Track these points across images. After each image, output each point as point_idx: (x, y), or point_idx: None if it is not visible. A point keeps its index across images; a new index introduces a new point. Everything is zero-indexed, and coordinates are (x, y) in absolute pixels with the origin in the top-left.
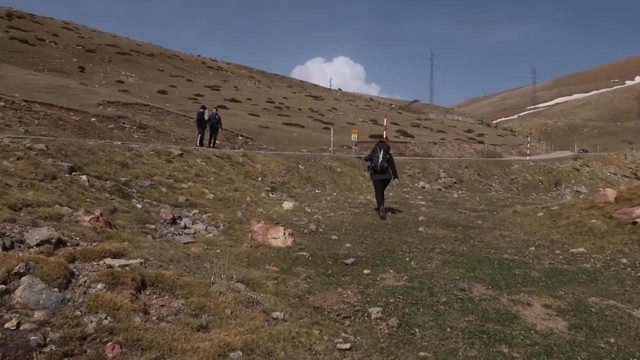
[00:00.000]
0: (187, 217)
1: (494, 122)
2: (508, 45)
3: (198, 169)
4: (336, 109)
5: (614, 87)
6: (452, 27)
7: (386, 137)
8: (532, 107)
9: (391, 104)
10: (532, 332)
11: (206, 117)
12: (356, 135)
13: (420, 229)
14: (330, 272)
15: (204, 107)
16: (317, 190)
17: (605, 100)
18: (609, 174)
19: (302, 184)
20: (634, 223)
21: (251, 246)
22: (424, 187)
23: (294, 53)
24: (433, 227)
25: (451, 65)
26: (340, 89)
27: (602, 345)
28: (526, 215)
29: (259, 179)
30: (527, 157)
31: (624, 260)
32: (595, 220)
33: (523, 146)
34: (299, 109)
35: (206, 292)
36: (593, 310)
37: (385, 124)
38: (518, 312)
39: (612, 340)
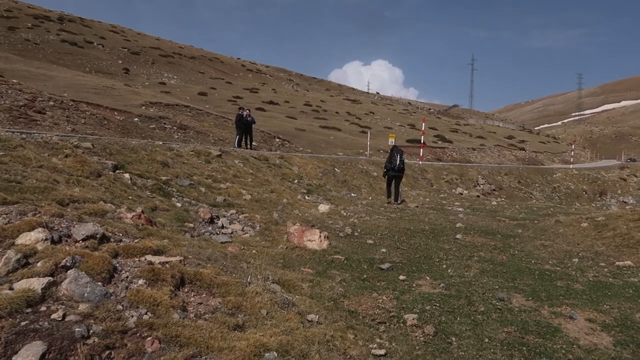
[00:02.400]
0: (224, 216)
1: (536, 128)
2: (552, 50)
3: (236, 170)
4: (373, 113)
5: None
6: (495, 31)
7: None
8: (576, 113)
9: (430, 109)
10: (574, 346)
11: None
12: (393, 140)
13: (458, 235)
14: (365, 276)
15: (242, 109)
16: (352, 194)
17: None
18: None
19: (338, 187)
20: None
21: (287, 248)
22: (462, 194)
23: (333, 56)
24: (471, 235)
25: (492, 71)
26: (378, 93)
27: None
28: (569, 225)
29: (295, 181)
30: (571, 166)
31: None
32: None
33: (566, 154)
34: (336, 112)
35: (243, 292)
36: None
37: (423, 128)
38: (560, 325)
39: None
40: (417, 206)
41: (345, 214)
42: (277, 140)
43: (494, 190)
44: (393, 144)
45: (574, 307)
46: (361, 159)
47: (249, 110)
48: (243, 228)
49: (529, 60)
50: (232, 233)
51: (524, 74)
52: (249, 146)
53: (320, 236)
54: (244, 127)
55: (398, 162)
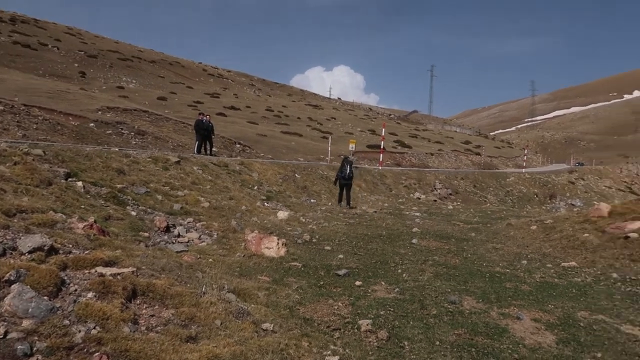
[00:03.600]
0: (181, 225)
1: (491, 134)
2: (508, 57)
3: (195, 177)
4: (335, 118)
5: (612, 101)
6: (454, 38)
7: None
8: (530, 119)
9: (390, 114)
10: (520, 346)
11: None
12: (354, 145)
13: (414, 240)
14: (322, 283)
15: (202, 114)
16: (312, 200)
17: (603, 113)
18: (604, 187)
19: (298, 193)
20: (626, 238)
21: (244, 256)
22: (420, 198)
23: (295, 62)
24: (427, 239)
25: (451, 77)
26: (339, 98)
27: None
28: (520, 228)
29: (255, 187)
30: (523, 170)
31: (615, 275)
32: (588, 235)
33: (520, 158)
34: (298, 118)
35: (197, 303)
36: (581, 324)
37: (383, 134)
38: (507, 326)
39: (599, 355)
40: (375, 211)
41: (304, 220)
42: (238, 146)
43: (450, 194)
44: (354, 149)
45: (521, 308)
46: (322, 164)
47: (209, 116)
48: (200, 236)
49: (486, 67)
50: (188, 242)
51: (482, 80)
52: (209, 152)
53: (278, 243)
54: (204, 132)
55: (348, 171)
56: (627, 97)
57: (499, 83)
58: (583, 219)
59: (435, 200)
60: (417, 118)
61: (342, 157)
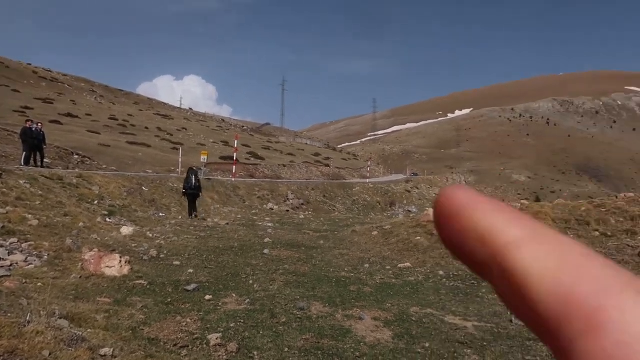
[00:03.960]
0: (2, 247)
1: (339, 146)
2: (353, 76)
3: (20, 192)
4: (186, 129)
5: (439, 119)
6: (305, 54)
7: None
8: (372, 133)
9: (243, 126)
10: (361, 344)
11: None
12: (206, 157)
13: (266, 250)
14: (169, 300)
15: (31, 122)
16: (161, 214)
17: (432, 130)
18: (434, 195)
19: (145, 207)
20: None
21: (81, 277)
22: (273, 209)
23: (142, 69)
24: (278, 249)
25: (303, 91)
26: (191, 109)
27: (419, 350)
28: (363, 234)
29: (96, 202)
30: (367, 180)
31: (441, 272)
32: (419, 238)
33: (364, 170)
34: (146, 128)
35: (20, 333)
36: (414, 319)
37: (236, 145)
38: (351, 327)
39: (427, 344)
40: (227, 223)
41: (151, 235)
42: (76, 157)
43: (302, 204)
44: (206, 161)
45: (363, 309)
46: (172, 176)
47: (41, 124)
48: (26, 258)
49: (334, 84)
50: (11, 265)
51: (330, 96)
52: (39, 164)
53: (120, 261)
54: (33, 142)
55: (194, 181)
56: (450, 115)
57: (345, 99)
58: (416, 224)
59: (287, 211)
60: (270, 130)
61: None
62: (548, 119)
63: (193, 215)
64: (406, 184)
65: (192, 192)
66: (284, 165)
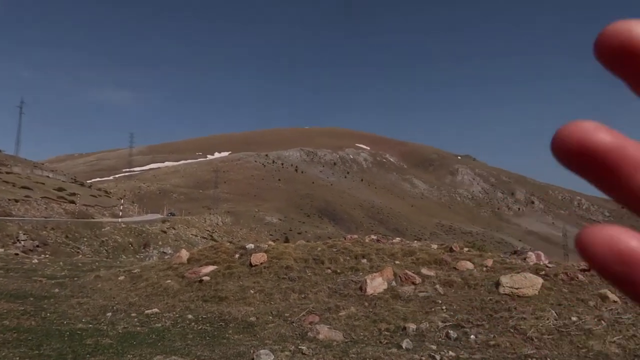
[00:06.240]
0: None
1: (88, 181)
2: (109, 105)
3: None
4: None
5: (198, 160)
6: (48, 78)
7: None
8: (128, 170)
9: None
10: None
11: None
12: None
13: None
14: None
15: None
16: None
17: (191, 169)
18: (191, 235)
19: None
20: (200, 281)
21: None
22: None
23: None
24: None
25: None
26: None
27: None
28: (108, 279)
29: None
30: (120, 219)
31: (190, 316)
32: (170, 281)
33: (117, 208)
34: None
35: None
36: None
37: None
38: None
39: None
40: None
41: None
42: None
43: (37, 246)
44: None
45: None
46: None
47: None
48: None
49: (85, 113)
50: None
51: (80, 126)
52: None
53: None
54: None
55: None
56: (210, 157)
57: (98, 131)
58: (167, 266)
59: (17, 254)
60: (1, 159)
61: None
62: (296, 167)
63: None
64: (162, 224)
65: None
66: (16, 201)
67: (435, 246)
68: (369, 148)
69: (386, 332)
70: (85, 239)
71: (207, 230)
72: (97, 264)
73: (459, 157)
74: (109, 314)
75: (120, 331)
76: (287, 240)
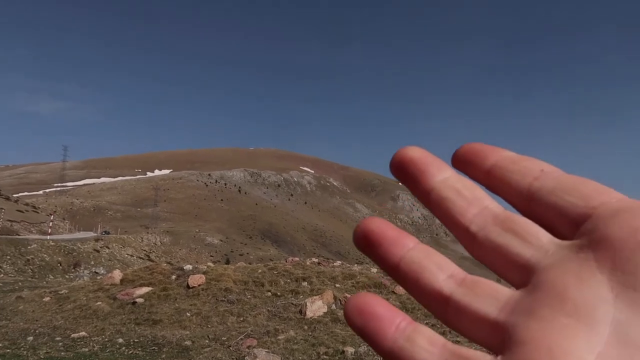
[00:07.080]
0: None
1: (15, 195)
2: (40, 116)
3: None
4: None
5: (137, 177)
6: None
7: None
8: (59, 184)
9: None
10: None
11: None
12: None
13: None
14: None
15: None
16: None
17: (129, 187)
18: (126, 255)
19: None
20: (134, 303)
21: None
22: None
23: None
24: None
25: None
26: None
27: None
28: (31, 301)
29: None
30: (48, 237)
31: (121, 340)
32: (100, 303)
33: (45, 224)
34: None
35: None
36: None
37: None
38: None
39: None
40: None
41: None
42: None
43: None
44: None
45: None
46: None
47: None
48: None
49: (13, 123)
50: None
51: (7, 136)
52: None
53: None
54: None
55: None
56: (149, 174)
57: (28, 142)
58: (97, 287)
59: None
60: None
61: None
62: (240, 187)
63: None
64: (95, 243)
65: None
66: None
67: (375, 270)
68: (312, 171)
69: (325, 356)
70: (8, 257)
71: (144, 250)
72: (20, 284)
73: (400, 184)
74: (30, 337)
75: (42, 356)
76: (228, 262)
